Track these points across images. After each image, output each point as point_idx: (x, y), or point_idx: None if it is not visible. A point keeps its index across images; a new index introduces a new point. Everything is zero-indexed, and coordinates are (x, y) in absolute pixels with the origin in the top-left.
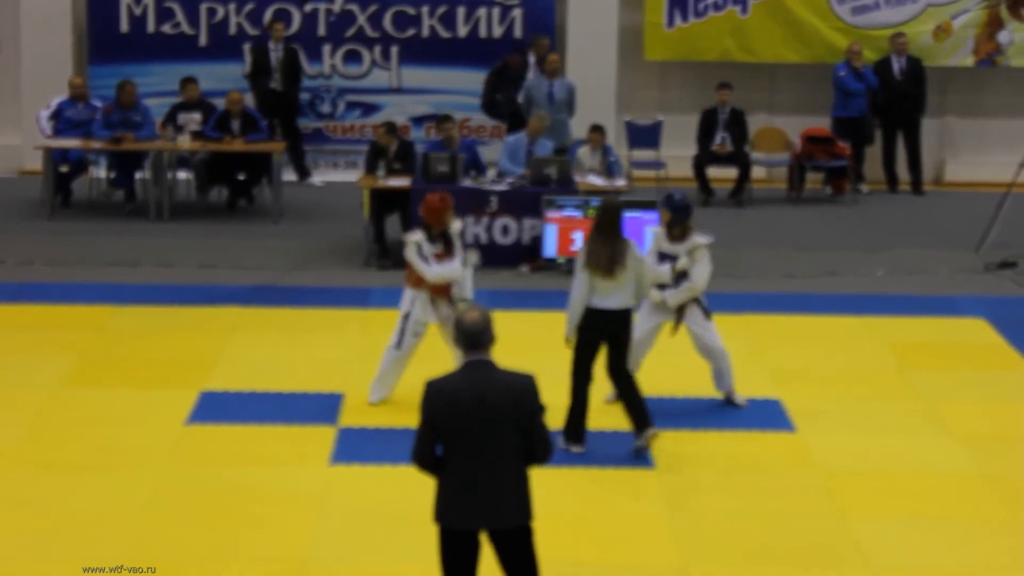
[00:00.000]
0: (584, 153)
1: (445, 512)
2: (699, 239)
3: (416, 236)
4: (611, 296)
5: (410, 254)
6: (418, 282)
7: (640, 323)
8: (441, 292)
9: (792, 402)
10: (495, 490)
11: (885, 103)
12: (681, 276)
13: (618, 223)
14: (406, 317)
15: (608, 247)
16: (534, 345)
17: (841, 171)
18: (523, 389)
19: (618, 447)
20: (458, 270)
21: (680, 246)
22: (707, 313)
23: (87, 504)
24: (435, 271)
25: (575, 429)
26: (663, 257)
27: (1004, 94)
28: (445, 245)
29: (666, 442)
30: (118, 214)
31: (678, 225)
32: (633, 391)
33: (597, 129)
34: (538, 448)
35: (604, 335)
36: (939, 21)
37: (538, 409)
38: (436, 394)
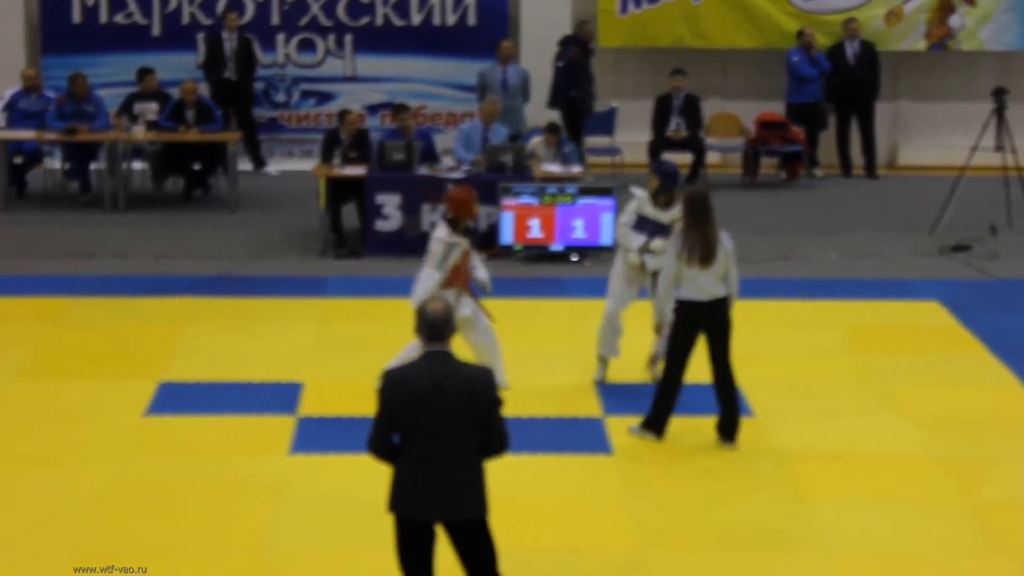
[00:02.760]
0: (537, 143)
1: (400, 502)
2: None
3: (454, 238)
4: (704, 286)
5: (435, 251)
6: (451, 280)
7: (615, 295)
8: (465, 285)
9: (748, 386)
10: (450, 482)
11: (839, 88)
12: (649, 252)
13: (710, 211)
14: None
15: (703, 236)
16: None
17: (795, 156)
18: (481, 381)
19: (575, 433)
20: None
21: (665, 213)
22: None
23: (45, 497)
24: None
25: (660, 419)
26: (643, 222)
27: (956, 78)
28: (470, 237)
29: (622, 426)
30: (73, 205)
31: (664, 192)
32: (728, 386)
33: (553, 129)
34: (494, 440)
35: (702, 326)
36: (891, 6)
37: (495, 401)
38: (394, 383)
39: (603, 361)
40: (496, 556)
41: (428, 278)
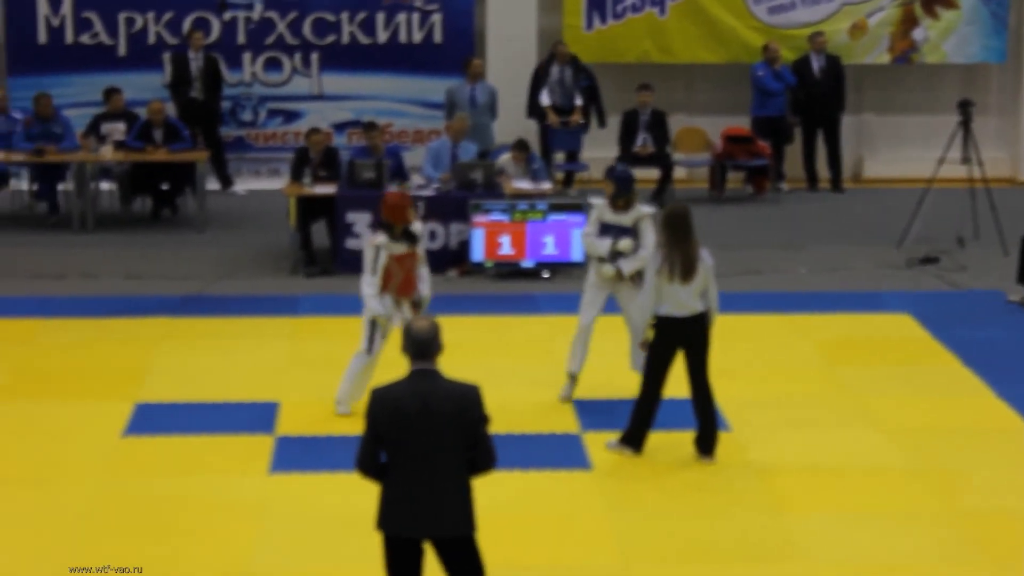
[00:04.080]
0: (507, 161)
1: (388, 519)
2: (644, 208)
3: (379, 239)
4: (684, 302)
5: (367, 256)
6: (384, 284)
7: (586, 306)
8: (405, 293)
9: (724, 400)
10: (437, 499)
11: (805, 101)
12: (618, 254)
13: (691, 227)
14: (373, 321)
15: (683, 252)
16: (465, 350)
17: (762, 170)
18: (467, 398)
19: (554, 449)
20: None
21: (625, 216)
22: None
23: (23, 518)
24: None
25: (638, 435)
26: (606, 228)
27: (920, 90)
28: (409, 243)
29: (600, 442)
30: (42, 226)
31: (622, 196)
32: (706, 401)
33: (522, 147)
34: (481, 457)
35: (680, 342)
36: (855, 19)
37: (482, 419)
38: (381, 401)
39: (572, 378)
40: (484, 573)
41: (365, 284)
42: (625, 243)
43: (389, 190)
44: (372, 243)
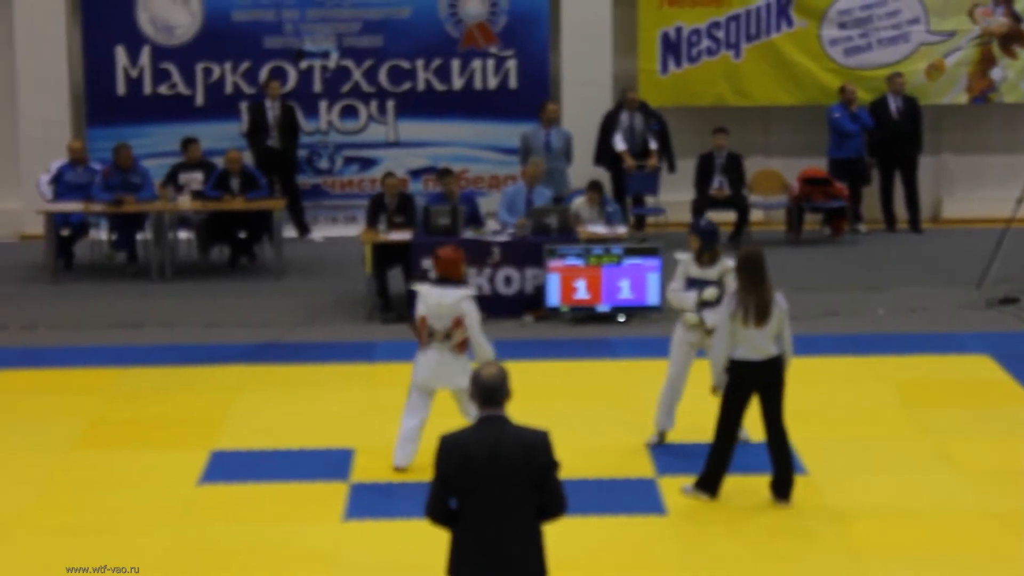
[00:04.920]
0: (581, 204)
1: (458, 567)
2: (729, 262)
3: (468, 293)
4: (759, 346)
5: (474, 316)
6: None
7: (675, 361)
8: (461, 349)
9: (801, 443)
10: (508, 546)
11: (882, 142)
12: (704, 304)
13: (764, 271)
14: None
15: (757, 296)
16: (540, 395)
17: (839, 212)
18: (536, 444)
19: (629, 494)
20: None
21: (711, 270)
22: None
23: (99, 567)
24: (485, 344)
25: (714, 479)
26: (692, 283)
27: (998, 130)
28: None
29: (675, 487)
30: (120, 276)
31: (707, 250)
32: (782, 445)
33: (595, 187)
34: (551, 503)
35: (756, 386)
36: (932, 60)
37: (551, 464)
38: (450, 449)
39: (660, 434)
40: None
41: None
42: (710, 292)
43: (444, 246)
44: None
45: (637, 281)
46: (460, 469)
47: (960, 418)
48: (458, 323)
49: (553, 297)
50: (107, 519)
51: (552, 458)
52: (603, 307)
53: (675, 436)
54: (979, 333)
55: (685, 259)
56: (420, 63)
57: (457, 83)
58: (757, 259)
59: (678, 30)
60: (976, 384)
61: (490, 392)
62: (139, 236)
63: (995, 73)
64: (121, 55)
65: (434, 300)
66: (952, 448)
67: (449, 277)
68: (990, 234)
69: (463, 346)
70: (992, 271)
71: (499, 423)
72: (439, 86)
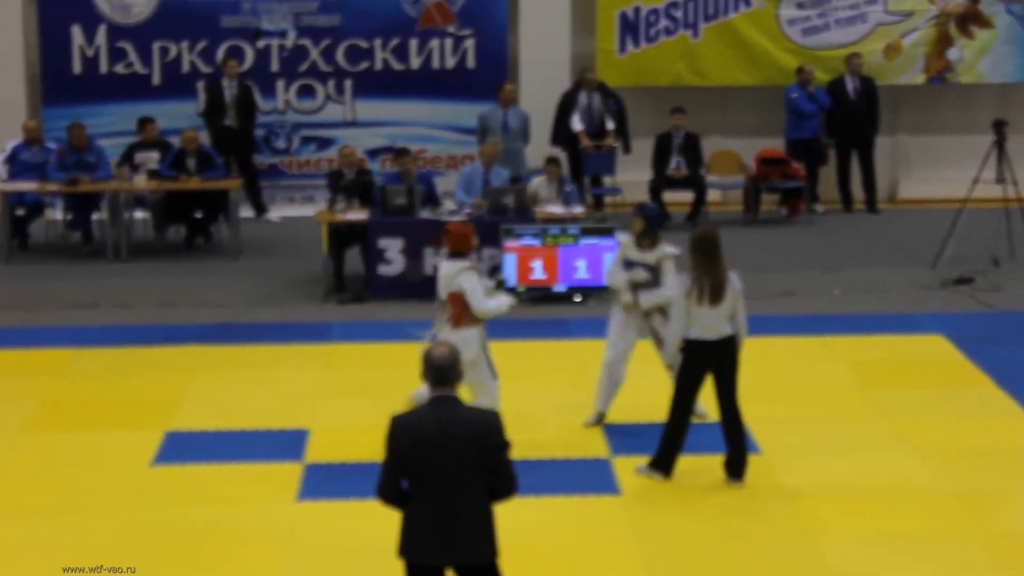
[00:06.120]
0: (539, 183)
1: (409, 547)
2: (668, 249)
3: (464, 265)
4: (713, 325)
5: (471, 284)
6: (473, 319)
7: (612, 344)
8: (456, 323)
9: (755, 423)
10: (459, 526)
11: (839, 123)
12: (636, 286)
13: (719, 250)
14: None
15: (712, 275)
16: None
17: (796, 192)
18: (487, 425)
19: (583, 474)
20: (506, 302)
21: (649, 254)
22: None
23: (54, 548)
24: (488, 305)
25: (668, 459)
26: (629, 264)
27: (955, 110)
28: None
29: (630, 467)
30: (76, 256)
31: (649, 235)
32: (735, 424)
33: (553, 162)
34: (502, 484)
35: (710, 365)
36: (889, 40)
37: (502, 444)
38: (400, 429)
39: (599, 415)
40: None
41: (503, 301)
42: (638, 273)
43: (452, 220)
44: (471, 266)
45: (594, 261)
46: (411, 449)
47: (915, 398)
48: (453, 298)
49: (510, 277)
50: (61, 500)
51: (503, 438)
52: (559, 287)
53: (629, 416)
54: (934, 313)
55: (625, 241)
56: (378, 42)
57: (415, 63)
58: (712, 239)
59: (636, 10)
60: (931, 364)
61: (441, 372)
62: (95, 216)
63: (952, 53)
64: (77, 34)
65: (442, 274)
66: (906, 428)
67: (459, 251)
68: (946, 214)
69: (458, 320)
70: (947, 251)
71: (451, 403)
72: (397, 65)
